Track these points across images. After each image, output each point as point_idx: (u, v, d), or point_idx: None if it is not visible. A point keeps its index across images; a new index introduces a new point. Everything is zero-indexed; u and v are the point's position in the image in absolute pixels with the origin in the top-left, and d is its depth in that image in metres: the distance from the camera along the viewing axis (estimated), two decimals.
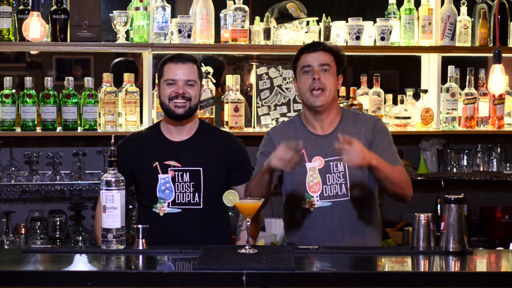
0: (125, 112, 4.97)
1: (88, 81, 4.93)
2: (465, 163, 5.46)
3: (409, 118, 5.24)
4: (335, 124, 3.97)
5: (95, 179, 5.07)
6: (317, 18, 5.20)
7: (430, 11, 5.20)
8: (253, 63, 5.37)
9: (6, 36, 4.85)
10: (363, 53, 5.30)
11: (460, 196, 3.58)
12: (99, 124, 4.96)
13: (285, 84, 5.21)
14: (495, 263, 3.68)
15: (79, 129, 4.94)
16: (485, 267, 3.61)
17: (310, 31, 5.15)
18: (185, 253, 3.59)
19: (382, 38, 5.13)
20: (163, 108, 4.03)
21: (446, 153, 5.48)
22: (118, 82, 5.06)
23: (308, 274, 3.32)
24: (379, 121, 4.01)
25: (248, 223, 3.54)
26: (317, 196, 3.92)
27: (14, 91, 4.89)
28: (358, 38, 5.11)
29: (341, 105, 5.07)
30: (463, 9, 5.26)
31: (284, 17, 5.13)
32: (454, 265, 3.47)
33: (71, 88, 4.93)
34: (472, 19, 5.31)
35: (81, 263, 3.46)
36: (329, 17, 5.18)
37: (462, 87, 5.31)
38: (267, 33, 5.08)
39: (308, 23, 5.19)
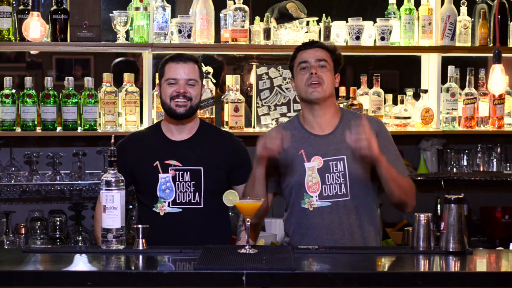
0: (125, 112, 4.97)
1: (88, 81, 4.93)
2: (465, 163, 5.46)
3: (409, 118, 5.24)
4: (334, 124, 3.97)
5: (95, 179, 5.07)
6: (317, 18, 5.20)
7: (430, 11, 5.20)
8: (253, 63, 5.37)
9: (6, 36, 4.85)
10: (363, 53, 5.30)
11: (460, 196, 3.58)
12: (99, 124, 4.96)
13: (285, 84, 5.21)
14: (495, 263, 3.68)
15: (79, 129, 4.94)
16: (485, 267, 3.61)
17: (310, 31, 5.15)
18: (185, 253, 3.58)
19: (382, 38, 5.13)
20: (164, 108, 4.03)
21: (446, 153, 5.48)
22: (118, 82, 5.06)
23: (308, 274, 3.32)
24: (382, 125, 4.01)
25: (248, 223, 3.54)
26: (316, 196, 3.91)
27: (14, 91, 4.90)
28: (358, 38, 5.11)
29: (341, 105, 5.08)
30: (463, 9, 5.26)
31: (284, 17, 5.13)
32: (454, 265, 3.47)
33: (71, 88, 4.93)
34: (472, 19, 5.31)
35: (81, 263, 3.46)
36: (329, 17, 5.18)
37: (462, 87, 5.31)
38: (267, 33, 5.08)
39: (308, 23, 5.19)
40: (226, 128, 5.00)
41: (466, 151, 5.47)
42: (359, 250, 3.74)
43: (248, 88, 5.41)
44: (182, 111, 3.98)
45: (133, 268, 3.45)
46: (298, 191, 3.93)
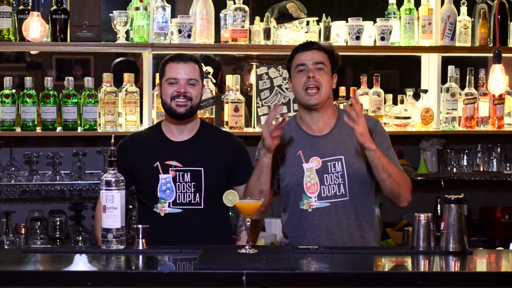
0: (125, 112, 4.97)
1: (88, 81, 4.93)
2: (465, 163, 5.46)
3: (409, 118, 5.24)
4: (331, 124, 3.97)
5: (95, 179, 5.07)
6: (317, 18, 5.20)
7: (430, 11, 5.20)
8: (253, 63, 5.37)
9: (6, 36, 4.85)
10: (363, 53, 5.30)
11: (460, 196, 3.58)
12: (99, 124, 4.96)
13: (285, 84, 5.21)
14: (495, 263, 3.68)
15: (79, 129, 4.94)
16: (485, 267, 3.61)
17: (310, 31, 5.15)
18: (185, 253, 3.58)
19: (382, 38, 5.13)
20: (164, 108, 4.03)
21: (446, 153, 5.48)
22: (118, 82, 5.06)
23: (308, 274, 3.32)
24: (378, 123, 4.00)
25: (248, 223, 3.54)
26: (315, 197, 3.91)
27: (14, 91, 4.90)
28: (358, 38, 5.11)
29: (341, 105, 5.08)
30: (463, 9, 5.26)
31: (284, 17, 5.13)
32: (454, 265, 3.47)
33: (71, 88, 4.93)
34: (472, 19, 5.31)
35: (81, 263, 3.46)
36: (329, 17, 5.18)
37: (462, 87, 5.31)
38: (267, 33, 5.08)
39: (308, 23, 5.19)
40: (226, 128, 5.00)
41: (466, 151, 5.47)
42: (359, 250, 3.74)
43: (248, 88, 5.41)
44: (182, 111, 3.97)
45: (133, 268, 3.45)
46: (296, 192, 3.93)
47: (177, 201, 3.99)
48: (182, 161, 4.00)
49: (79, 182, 5.06)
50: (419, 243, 3.60)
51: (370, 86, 5.28)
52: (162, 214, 3.99)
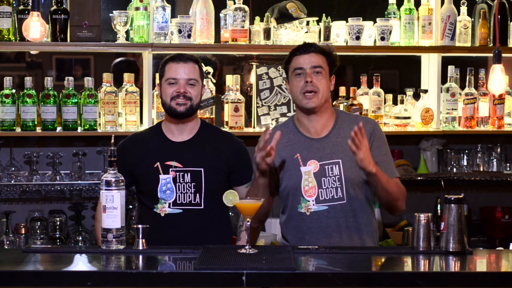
0: (125, 112, 4.97)
1: (88, 81, 4.93)
2: (465, 163, 5.46)
3: (409, 118, 5.24)
4: (329, 126, 3.95)
5: (95, 179, 5.07)
6: (317, 18, 5.20)
7: (430, 11, 5.20)
8: (253, 63, 5.37)
9: (6, 36, 4.85)
10: (363, 53, 5.30)
11: (460, 196, 3.58)
12: (99, 124, 4.96)
13: (285, 84, 5.21)
14: (495, 263, 3.68)
15: (79, 129, 4.94)
16: (485, 267, 3.61)
17: (310, 31, 5.15)
18: (185, 253, 3.58)
19: (382, 38, 5.13)
20: (164, 108, 4.03)
21: (446, 153, 5.47)
22: (118, 82, 5.06)
23: (308, 274, 3.32)
24: (377, 126, 3.99)
25: (248, 223, 3.54)
26: (313, 200, 3.90)
27: (14, 91, 4.90)
28: (358, 38, 5.11)
29: (341, 105, 5.08)
30: (463, 9, 5.26)
31: (284, 17, 5.13)
32: (454, 265, 3.47)
33: (71, 88, 4.93)
34: (472, 19, 5.31)
35: (81, 263, 3.46)
36: (329, 17, 5.18)
37: (462, 87, 5.31)
38: (267, 33, 5.08)
39: (308, 23, 5.19)
40: (226, 128, 5.00)
41: (466, 151, 5.47)
42: (359, 250, 3.74)
43: (248, 88, 5.41)
44: (182, 110, 3.98)
45: (133, 268, 3.45)
46: (294, 196, 3.92)
47: (177, 202, 3.99)
48: (182, 162, 4.00)
49: (79, 182, 5.06)
50: (419, 243, 3.60)
51: (370, 86, 5.28)
52: (162, 215, 3.99)
